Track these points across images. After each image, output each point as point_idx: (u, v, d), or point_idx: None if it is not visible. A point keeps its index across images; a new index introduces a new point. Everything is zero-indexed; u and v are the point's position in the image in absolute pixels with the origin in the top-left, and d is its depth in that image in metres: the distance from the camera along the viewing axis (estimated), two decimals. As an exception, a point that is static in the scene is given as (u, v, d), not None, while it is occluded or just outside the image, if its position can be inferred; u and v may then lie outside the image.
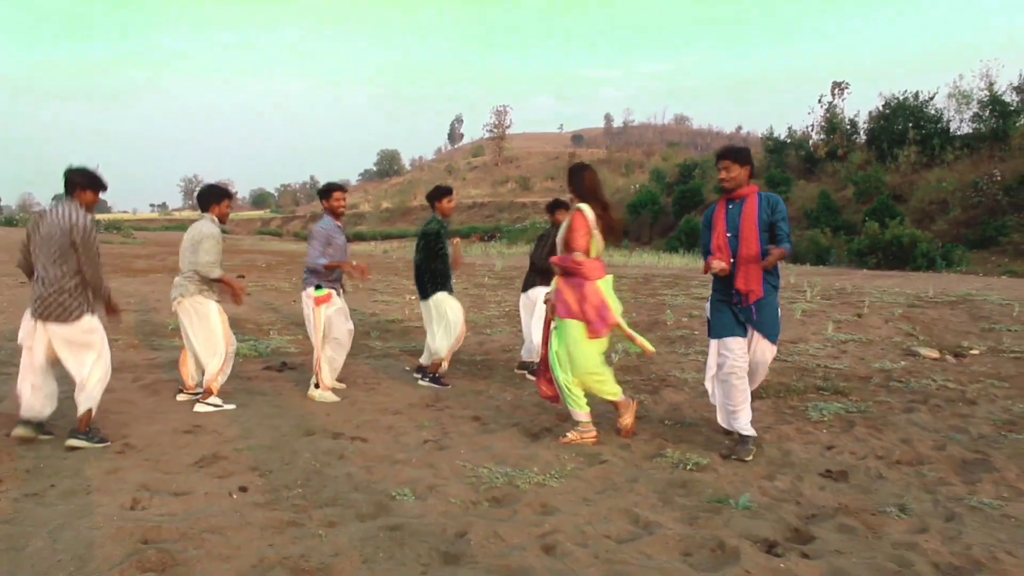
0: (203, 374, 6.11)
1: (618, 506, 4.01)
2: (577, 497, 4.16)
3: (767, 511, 3.93)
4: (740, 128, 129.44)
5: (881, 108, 42.04)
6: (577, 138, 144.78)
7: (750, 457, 4.84)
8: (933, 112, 39.80)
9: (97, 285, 4.98)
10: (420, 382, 7.08)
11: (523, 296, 7.50)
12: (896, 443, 5.15)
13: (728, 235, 4.95)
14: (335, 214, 6.65)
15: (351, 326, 6.73)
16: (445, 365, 7.15)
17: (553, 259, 5.35)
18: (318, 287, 6.47)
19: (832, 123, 45.36)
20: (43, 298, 4.91)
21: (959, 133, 38.75)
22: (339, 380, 6.88)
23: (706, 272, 4.99)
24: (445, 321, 6.97)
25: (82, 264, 4.91)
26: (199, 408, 5.94)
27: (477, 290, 16.01)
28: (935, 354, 8.49)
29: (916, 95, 40.63)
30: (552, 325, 5.37)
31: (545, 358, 5.50)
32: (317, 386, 6.46)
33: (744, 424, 4.99)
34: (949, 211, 32.10)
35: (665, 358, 8.36)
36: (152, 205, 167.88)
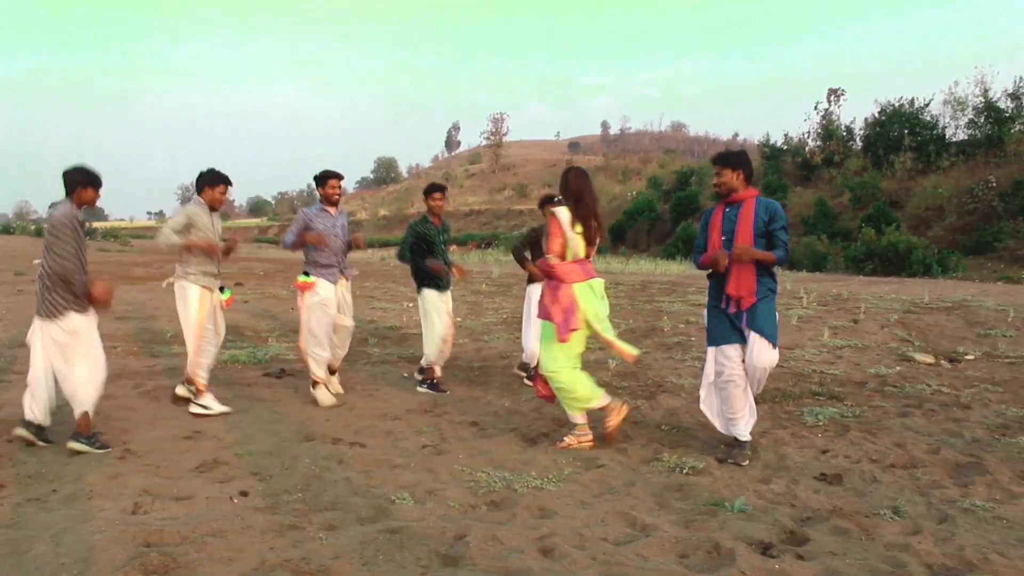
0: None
1: (615, 509, 4.05)
2: (574, 501, 4.20)
3: (762, 514, 3.97)
4: (737, 135, 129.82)
5: (877, 115, 42.23)
6: (574, 145, 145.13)
7: (746, 462, 4.87)
8: (929, 119, 39.99)
9: (63, 276, 4.89)
10: (418, 388, 7.12)
11: (528, 287, 7.53)
12: (890, 447, 5.20)
13: (723, 239, 4.97)
14: (329, 201, 6.65)
15: (331, 318, 6.53)
16: (437, 371, 7.20)
17: (531, 266, 5.40)
18: (305, 273, 6.51)
19: (828, 130, 45.55)
20: (37, 294, 5.01)
21: (955, 139, 38.93)
22: (341, 385, 6.93)
23: (705, 263, 5.01)
24: (427, 323, 7.09)
25: (43, 253, 4.95)
26: (192, 409, 6.02)
27: (475, 297, 16.06)
28: (930, 359, 8.55)
29: (912, 102, 40.84)
30: None
31: None
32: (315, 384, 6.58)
33: (742, 430, 5.03)
34: (945, 217, 32.22)
35: (662, 364, 8.41)
36: (149, 213, 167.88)
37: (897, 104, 41.21)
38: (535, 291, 6.98)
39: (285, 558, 3.36)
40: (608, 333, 5.26)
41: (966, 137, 38.29)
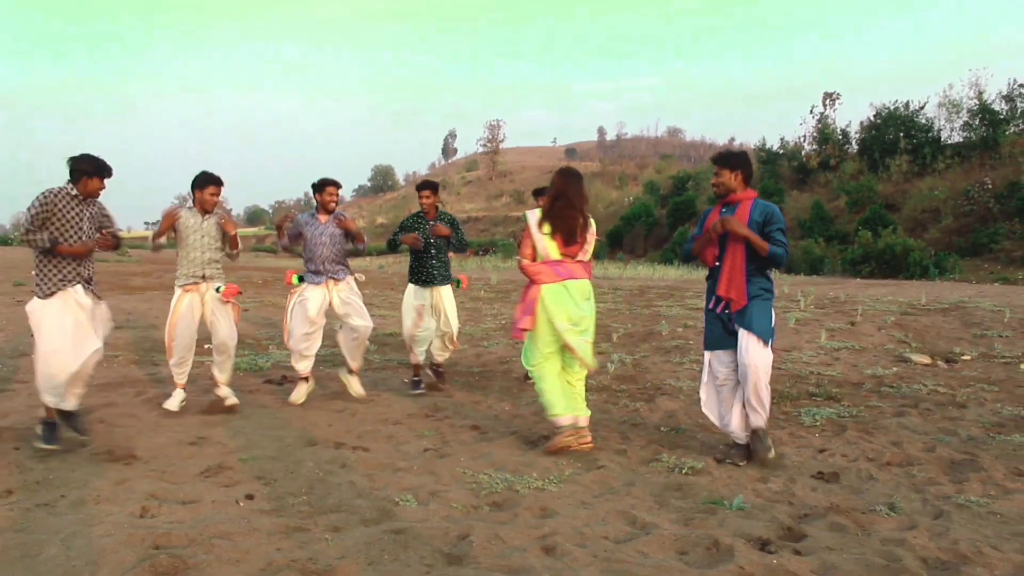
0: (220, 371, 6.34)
1: (615, 509, 4.12)
2: (575, 501, 4.26)
3: (760, 511, 4.04)
4: (733, 139, 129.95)
5: (872, 118, 42.50)
6: (571, 151, 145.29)
7: (770, 453, 4.90)
8: (924, 121, 40.25)
9: (32, 245, 5.09)
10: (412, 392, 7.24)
11: None
12: (887, 445, 5.27)
13: (717, 239, 4.98)
14: (324, 209, 6.73)
15: (308, 318, 6.59)
16: (415, 358, 7.41)
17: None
18: (300, 277, 6.72)
19: (824, 133, 45.78)
20: None
21: (950, 142, 39.19)
22: (339, 393, 7.01)
23: (697, 246, 5.07)
24: (403, 317, 7.40)
25: None
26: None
27: (473, 303, 16.13)
28: (927, 360, 8.62)
29: (907, 105, 41.10)
30: None
31: None
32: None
33: (737, 433, 5.08)
34: (941, 219, 32.39)
35: (660, 367, 8.48)
36: (147, 223, 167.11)
37: (892, 107, 41.48)
38: None
39: (292, 558, 3.41)
40: (571, 335, 5.16)
41: (961, 139, 38.57)
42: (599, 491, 4.45)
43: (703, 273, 5.25)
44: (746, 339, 4.86)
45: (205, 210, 6.25)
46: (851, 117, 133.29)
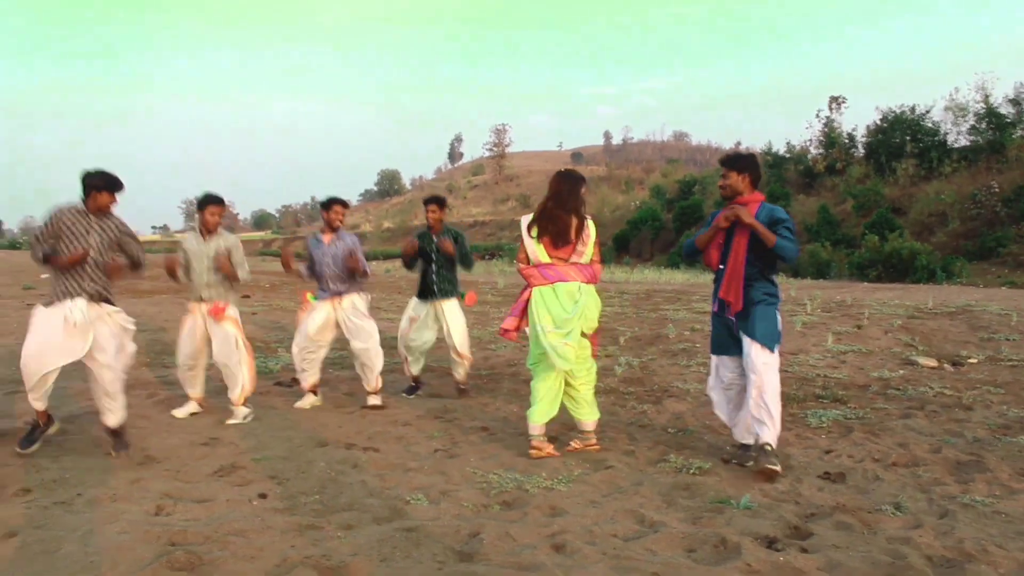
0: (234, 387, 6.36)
1: (624, 508, 4.17)
2: (584, 500, 4.31)
3: (767, 511, 4.08)
4: (739, 143, 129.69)
5: (879, 122, 42.45)
6: (577, 155, 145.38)
7: (776, 467, 4.65)
8: (930, 125, 40.18)
9: (33, 257, 5.27)
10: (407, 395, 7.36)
11: None
12: (893, 447, 5.30)
13: (722, 242, 5.01)
14: (330, 227, 6.80)
15: (311, 333, 6.70)
16: (410, 371, 7.58)
17: None
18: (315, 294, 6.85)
19: (830, 137, 45.75)
20: None
21: (956, 146, 39.12)
22: (349, 395, 7.06)
23: (718, 220, 4.99)
24: None
25: None
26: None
27: (481, 307, 16.16)
28: (933, 363, 8.65)
29: (913, 108, 41.05)
30: None
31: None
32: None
33: (739, 433, 5.12)
34: (948, 223, 32.34)
35: (668, 370, 8.52)
36: (153, 227, 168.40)
37: (899, 111, 41.44)
38: None
39: (305, 555, 3.47)
40: (551, 337, 5.09)
41: (968, 143, 38.50)
42: (608, 491, 4.50)
43: (710, 277, 5.30)
44: (749, 346, 4.84)
45: (208, 230, 6.30)
46: (857, 121, 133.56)
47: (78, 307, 5.13)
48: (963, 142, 39.11)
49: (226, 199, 6.72)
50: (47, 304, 5.20)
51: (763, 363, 4.78)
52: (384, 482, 4.65)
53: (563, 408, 5.45)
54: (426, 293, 7.29)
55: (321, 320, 6.70)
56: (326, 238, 6.77)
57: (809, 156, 46.85)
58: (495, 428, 6.06)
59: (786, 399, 6.74)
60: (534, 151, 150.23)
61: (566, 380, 5.34)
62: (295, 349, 6.82)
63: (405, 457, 5.23)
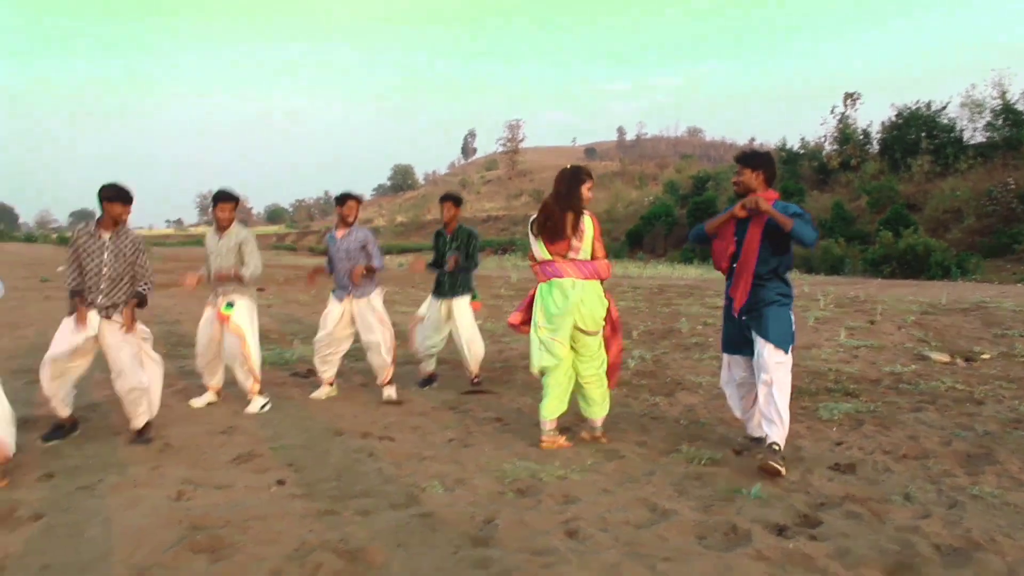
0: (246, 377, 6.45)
1: (636, 496, 4.23)
2: (597, 488, 4.38)
3: (778, 500, 4.14)
4: (753, 139, 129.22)
5: (894, 118, 42.20)
6: (590, 151, 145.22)
7: (779, 467, 4.58)
8: (946, 121, 39.91)
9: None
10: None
11: None
12: (903, 439, 5.34)
13: (735, 239, 4.97)
14: (343, 222, 6.87)
15: (328, 329, 6.82)
16: (425, 368, 7.67)
17: None
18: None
19: (845, 134, 45.50)
20: None
21: (972, 142, 38.85)
22: (363, 385, 7.14)
23: (711, 225, 5.09)
24: None
25: None
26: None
27: (494, 301, 16.25)
28: (946, 358, 8.65)
29: (929, 105, 40.78)
30: None
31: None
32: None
33: (752, 428, 5.17)
34: (963, 220, 32.15)
35: (680, 364, 8.57)
36: (168, 221, 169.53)
37: (914, 107, 41.17)
38: None
39: (324, 539, 3.56)
40: (540, 332, 5.21)
41: (984, 139, 38.24)
42: (620, 480, 4.56)
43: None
44: (763, 346, 4.79)
45: (221, 227, 6.40)
46: (872, 117, 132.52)
47: (91, 319, 5.36)
48: (979, 139, 38.84)
49: (240, 194, 6.80)
50: (70, 313, 5.41)
51: (776, 363, 4.75)
52: (400, 470, 4.73)
53: (575, 399, 5.50)
54: (439, 290, 7.38)
55: (336, 316, 6.81)
56: (339, 233, 6.85)
57: (824, 152, 46.62)
58: (509, 419, 6.12)
59: (798, 392, 6.79)
60: (547, 146, 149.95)
61: (577, 376, 5.39)
62: (317, 337, 6.92)
63: (420, 446, 5.31)
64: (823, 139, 48.02)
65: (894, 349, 9.30)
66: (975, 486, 4.35)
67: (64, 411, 5.40)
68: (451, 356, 8.77)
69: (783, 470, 4.57)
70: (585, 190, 5.26)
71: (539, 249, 5.29)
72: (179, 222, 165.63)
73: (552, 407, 5.31)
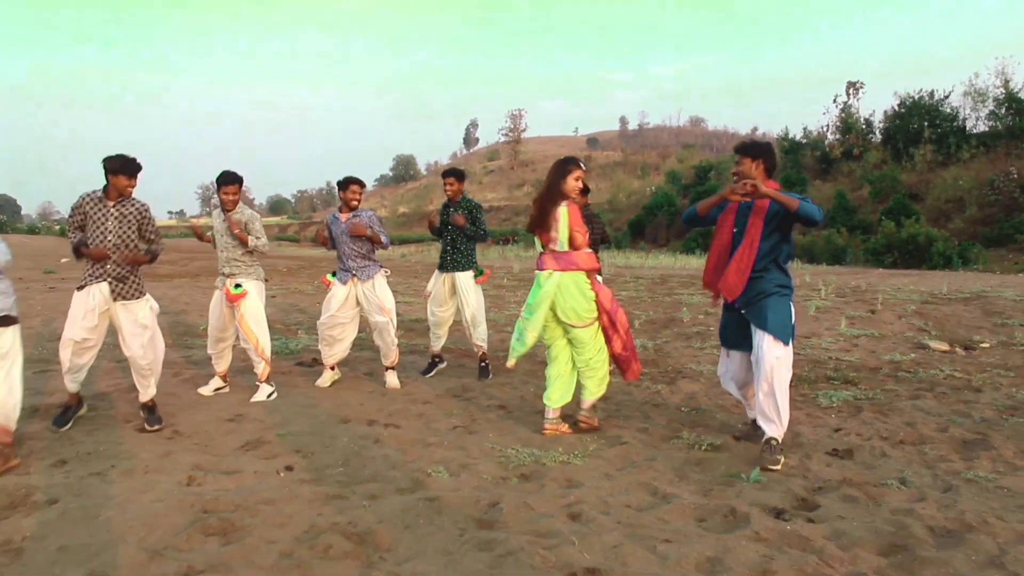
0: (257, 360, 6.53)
1: (638, 481, 4.32)
2: (599, 473, 4.47)
3: (776, 484, 4.22)
4: (755, 129, 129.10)
5: (896, 107, 42.22)
6: (592, 141, 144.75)
7: (776, 466, 4.54)
8: (949, 111, 39.93)
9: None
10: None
11: None
12: (901, 426, 5.42)
13: (735, 230, 4.92)
14: (347, 206, 6.93)
15: (331, 312, 6.86)
16: (432, 348, 7.69)
17: None
18: (333, 272, 7.05)
19: (847, 123, 45.52)
20: None
21: (975, 131, 38.87)
22: (368, 374, 7.22)
23: (702, 207, 5.06)
24: None
25: None
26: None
27: (496, 291, 16.33)
28: (945, 347, 8.73)
29: (931, 94, 40.79)
30: None
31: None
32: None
33: (752, 411, 5.24)
34: (965, 209, 32.19)
35: (681, 352, 8.65)
36: (170, 212, 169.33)
37: (917, 96, 41.18)
38: None
39: (333, 522, 3.65)
40: (521, 320, 5.45)
41: (987, 129, 38.26)
42: (622, 465, 4.65)
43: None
44: (761, 337, 4.70)
45: (227, 210, 6.47)
46: (875, 106, 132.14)
47: (100, 290, 5.44)
48: (982, 128, 38.90)
49: (243, 181, 6.85)
50: (79, 288, 5.49)
51: (775, 357, 4.63)
52: (406, 456, 4.82)
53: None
54: (443, 264, 7.45)
55: (341, 299, 6.87)
56: (343, 216, 6.93)
57: (826, 142, 46.66)
58: (512, 407, 6.21)
59: (797, 380, 6.87)
60: (550, 136, 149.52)
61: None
62: (320, 321, 6.99)
63: (425, 433, 5.39)
64: (825, 128, 48.11)
65: (894, 338, 9.38)
66: (970, 471, 4.43)
67: (74, 387, 5.54)
68: (455, 345, 8.87)
69: (779, 468, 4.54)
70: (571, 180, 5.27)
71: (536, 242, 5.45)
72: (181, 213, 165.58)
73: (556, 396, 5.41)
